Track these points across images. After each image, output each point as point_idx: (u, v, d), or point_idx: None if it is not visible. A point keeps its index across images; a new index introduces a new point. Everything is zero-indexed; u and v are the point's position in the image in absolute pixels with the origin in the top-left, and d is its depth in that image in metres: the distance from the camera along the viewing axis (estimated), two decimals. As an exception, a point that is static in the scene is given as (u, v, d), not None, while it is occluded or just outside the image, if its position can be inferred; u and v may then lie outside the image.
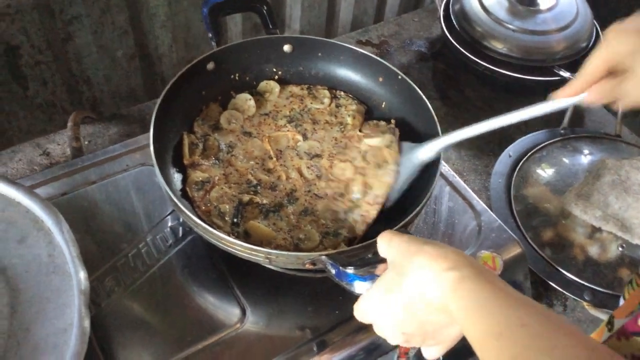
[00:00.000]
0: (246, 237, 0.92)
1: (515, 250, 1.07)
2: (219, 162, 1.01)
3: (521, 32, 1.47)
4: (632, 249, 1.20)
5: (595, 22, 1.55)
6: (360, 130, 1.08)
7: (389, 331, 0.69)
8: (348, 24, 1.80)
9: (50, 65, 1.30)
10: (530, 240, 1.22)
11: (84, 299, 0.80)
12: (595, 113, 1.57)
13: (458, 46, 1.52)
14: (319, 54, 1.14)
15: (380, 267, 0.72)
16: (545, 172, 1.35)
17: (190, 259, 1.00)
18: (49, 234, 0.88)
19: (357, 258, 0.78)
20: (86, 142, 1.31)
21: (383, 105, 1.13)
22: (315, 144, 1.05)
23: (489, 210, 1.12)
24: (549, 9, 1.49)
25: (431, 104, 1.02)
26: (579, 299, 1.16)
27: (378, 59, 1.11)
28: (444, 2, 1.61)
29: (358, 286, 0.74)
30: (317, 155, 1.04)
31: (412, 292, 0.64)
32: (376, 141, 1.04)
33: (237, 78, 1.12)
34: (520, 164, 1.36)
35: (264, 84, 1.13)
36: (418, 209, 0.89)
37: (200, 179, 0.97)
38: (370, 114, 1.13)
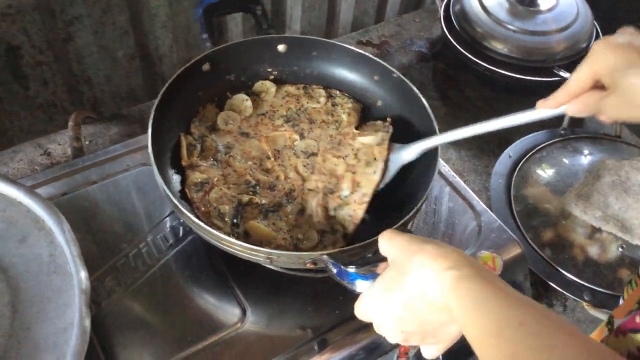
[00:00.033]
0: (246, 237, 0.92)
1: (515, 251, 1.07)
2: (217, 163, 1.01)
3: (521, 32, 1.47)
4: (632, 249, 1.20)
5: (596, 23, 1.55)
6: (357, 129, 1.08)
7: (388, 330, 0.69)
8: (348, 25, 1.80)
9: (51, 65, 1.30)
10: (530, 241, 1.23)
11: (85, 299, 0.81)
12: (595, 113, 1.57)
13: (458, 46, 1.52)
14: (314, 53, 1.14)
15: (382, 265, 0.72)
16: (546, 173, 1.35)
17: (190, 259, 1.00)
18: (49, 234, 0.88)
19: (358, 257, 0.78)
20: (87, 142, 1.31)
21: (379, 104, 1.13)
22: (312, 143, 1.06)
23: (489, 211, 1.12)
24: (549, 10, 1.49)
25: (431, 104, 1.03)
26: (578, 299, 1.16)
27: (373, 57, 1.11)
28: (444, 3, 1.62)
29: (359, 285, 0.74)
30: (314, 154, 1.04)
31: (412, 291, 0.64)
32: (369, 139, 1.04)
33: (232, 79, 1.12)
34: (521, 164, 1.36)
35: (259, 84, 1.13)
36: (417, 207, 0.90)
37: (199, 180, 0.97)
38: (366, 112, 1.13)
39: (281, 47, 1.13)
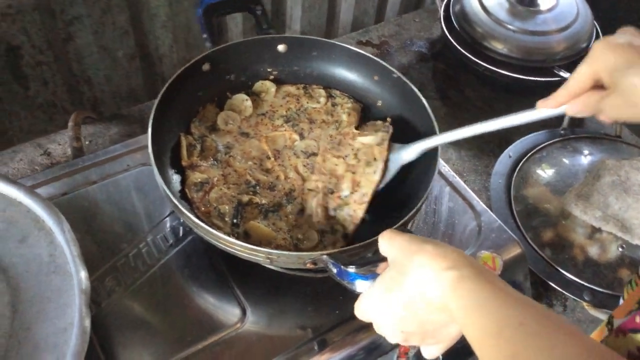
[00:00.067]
0: (246, 237, 0.92)
1: (515, 251, 1.07)
2: (217, 163, 1.01)
3: (521, 32, 1.47)
4: (632, 249, 1.20)
5: (596, 23, 1.55)
6: (357, 129, 1.08)
7: (388, 330, 0.69)
8: (348, 25, 1.80)
9: (51, 65, 1.30)
10: (530, 241, 1.23)
11: (85, 299, 0.81)
12: (595, 113, 1.57)
13: (458, 47, 1.52)
14: (314, 54, 1.14)
15: (382, 265, 0.72)
16: (545, 173, 1.35)
17: (190, 258, 1.00)
18: (50, 234, 0.88)
19: (358, 257, 0.78)
20: (87, 142, 1.31)
21: (379, 104, 1.13)
22: (311, 143, 1.06)
23: (489, 211, 1.12)
24: (549, 10, 1.49)
25: (431, 104, 1.03)
26: (578, 299, 1.16)
27: (373, 57, 1.11)
28: (444, 3, 1.62)
29: (359, 285, 0.74)
30: (314, 154, 1.04)
31: (412, 291, 0.64)
32: (369, 139, 1.04)
33: (232, 79, 1.12)
34: (521, 164, 1.36)
35: (259, 84, 1.13)
36: (417, 207, 0.90)
37: (199, 180, 0.97)
38: (366, 112, 1.13)
39: (281, 47, 1.13)
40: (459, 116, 1.52)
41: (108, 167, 1.10)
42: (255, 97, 1.12)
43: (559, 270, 1.18)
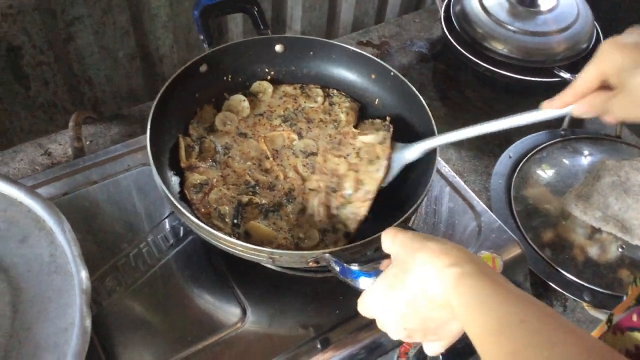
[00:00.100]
0: (247, 237, 0.92)
1: (515, 251, 1.07)
2: (216, 164, 1.01)
3: (522, 33, 1.47)
4: (632, 249, 1.21)
5: (596, 23, 1.55)
6: (355, 128, 1.08)
7: (391, 326, 0.69)
8: (349, 25, 1.80)
9: (51, 65, 1.30)
10: (530, 241, 1.23)
11: (86, 299, 0.81)
12: (595, 114, 1.57)
13: (458, 47, 1.52)
14: (311, 53, 1.14)
15: (384, 262, 0.73)
16: (546, 173, 1.35)
17: (190, 258, 1.00)
18: (50, 234, 0.88)
19: (360, 254, 0.79)
20: (87, 142, 1.31)
21: (376, 102, 1.13)
22: (310, 142, 1.06)
23: (489, 211, 1.12)
24: (550, 10, 1.49)
25: (431, 105, 1.03)
26: (578, 300, 1.16)
27: (370, 56, 1.11)
28: (444, 3, 1.62)
29: (363, 282, 0.74)
30: (313, 153, 1.04)
31: (414, 288, 0.64)
32: (370, 138, 1.04)
33: (230, 79, 1.12)
34: (521, 164, 1.36)
35: (256, 85, 1.14)
36: (417, 204, 0.90)
37: (198, 181, 0.97)
38: (364, 111, 1.14)
39: (278, 47, 1.13)
40: (459, 116, 1.52)
41: (109, 167, 1.10)
42: (253, 97, 1.12)
43: (558, 271, 1.19)
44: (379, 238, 0.72)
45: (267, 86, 1.13)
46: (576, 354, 0.50)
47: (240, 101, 1.10)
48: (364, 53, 1.11)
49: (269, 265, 0.96)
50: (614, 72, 0.71)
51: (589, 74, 0.74)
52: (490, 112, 1.54)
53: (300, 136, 1.07)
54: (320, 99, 1.13)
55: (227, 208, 0.95)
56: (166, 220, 1.04)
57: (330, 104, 1.12)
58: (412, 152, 0.99)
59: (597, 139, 1.44)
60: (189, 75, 1.04)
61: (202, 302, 0.95)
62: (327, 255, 0.80)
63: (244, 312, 0.94)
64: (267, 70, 1.15)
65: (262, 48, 1.13)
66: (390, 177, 1.00)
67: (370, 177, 0.99)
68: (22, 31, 1.21)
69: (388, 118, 1.09)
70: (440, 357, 0.71)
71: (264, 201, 0.97)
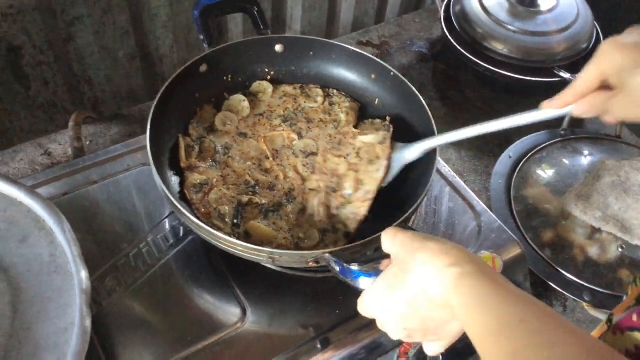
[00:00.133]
0: (247, 237, 0.92)
1: (515, 251, 1.07)
2: (216, 164, 1.01)
3: (521, 33, 1.47)
4: (632, 249, 1.21)
5: (596, 24, 1.55)
6: (355, 128, 1.08)
7: (391, 326, 0.69)
8: (349, 25, 1.80)
9: (52, 65, 1.30)
10: (530, 241, 1.23)
11: (86, 299, 0.81)
12: (595, 114, 1.57)
13: (458, 47, 1.52)
14: (311, 53, 1.14)
15: (384, 262, 0.73)
16: (546, 173, 1.35)
17: (190, 258, 1.00)
18: (50, 234, 0.88)
19: (360, 254, 0.79)
20: (87, 142, 1.31)
21: (376, 102, 1.13)
22: (310, 142, 1.06)
23: (489, 211, 1.12)
24: (550, 10, 1.49)
25: (431, 105, 1.03)
26: (578, 300, 1.16)
27: (370, 56, 1.11)
28: (444, 3, 1.62)
29: (363, 282, 0.74)
30: (313, 154, 1.04)
31: (414, 288, 0.64)
32: (370, 138, 1.04)
33: (230, 79, 1.12)
34: (521, 164, 1.36)
35: (256, 85, 1.14)
36: (417, 204, 0.90)
37: (198, 181, 0.97)
38: (364, 111, 1.14)
39: (278, 47, 1.13)
40: (459, 117, 1.52)
41: (109, 167, 1.10)
42: (253, 97, 1.12)
43: (559, 271, 1.19)
44: (379, 238, 0.72)
45: (267, 86, 1.13)
46: (576, 354, 0.50)
47: (240, 101, 1.10)
48: (364, 53, 1.11)
49: (269, 265, 0.96)
50: (614, 72, 0.71)
51: (589, 74, 0.74)
52: (490, 112, 1.54)
53: (300, 136, 1.07)
54: (320, 99, 1.13)
55: (227, 208, 0.95)
56: (166, 220, 1.04)
57: (330, 104, 1.12)
58: (412, 152, 0.99)
59: (597, 139, 1.44)
60: (189, 75, 1.04)
61: (202, 302, 0.95)
62: (327, 255, 0.80)
63: (244, 312, 0.94)
64: (267, 70, 1.15)
65: (262, 48, 1.13)
66: (390, 177, 1.00)
67: (370, 177, 1.00)
68: (22, 31, 1.21)
69: (388, 118, 1.09)
70: (440, 357, 0.71)
71: (264, 201, 0.97)
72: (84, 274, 0.83)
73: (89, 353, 0.78)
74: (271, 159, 1.03)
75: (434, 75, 1.64)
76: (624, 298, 0.86)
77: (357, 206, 0.97)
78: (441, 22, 1.58)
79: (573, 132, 1.45)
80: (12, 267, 0.85)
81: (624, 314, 0.72)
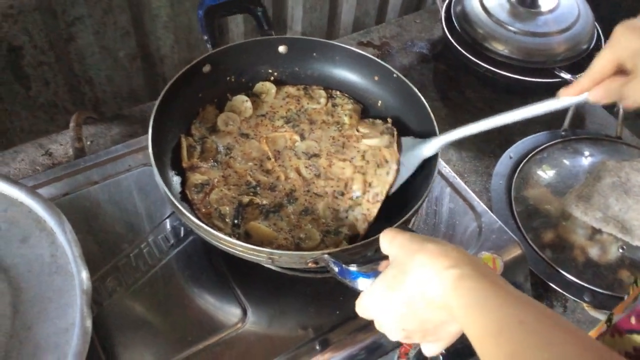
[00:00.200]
0: (247, 238, 0.92)
1: (515, 252, 1.07)
2: (218, 164, 1.01)
3: (522, 34, 1.47)
4: (632, 250, 1.21)
5: (597, 24, 1.55)
6: (357, 130, 1.08)
7: (389, 327, 0.69)
8: (350, 25, 1.80)
9: (52, 65, 1.30)
10: (530, 242, 1.23)
11: (86, 299, 0.81)
12: (596, 115, 1.57)
13: (459, 48, 1.52)
14: (314, 54, 1.14)
15: (383, 263, 0.73)
16: (546, 174, 1.35)
17: (191, 259, 1.00)
18: (51, 234, 0.88)
19: (359, 255, 0.78)
20: (88, 143, 1.31)
21: (379, 104, 1.13)
22: (312, 144, 1.06)
23: (490, 212, 1.12)
24: (550, 11, 1.49)
25: (432, 105, 1.03)
26: (579, 300, 1.16)
27: (373, 58, 1.11)
28: (445, 4, 1.62)
29: (361, 283, 0.74)
30: (315, 155, 1.04)
31: (413, 289, 0.64)
32: (375, 141, 1.04)
33: (233, 80, 1.12)
34: (521, 165, 1.36)
35: (259, 86, 1.13)
36: (417, 205, 0.90)
37: (200, 181, 0.97)
38: (366, 112, 1.14)
39: (282, 48, 1.13)
40: (459, 117, 1.52)
41: (109, 167, 1.10)
42: (256, 98, 1.12)
43: (559, 272, 1.19)
44: (378, 239, 0.72)
45: (270, 87, 1.13)
46: (575, 354, 0.50)
47: (242, 102, 1.10)
48: (367, 55, 1.11)
49: (269, 266, 0.96)
50: (629, 55, 0.71)
51: (604, 59, 0.74)
52: (490, 113, 1.51)
53: (302, 137, 1.07)
54: (323, 101, 1.13)
55: (227, 208, 0.95)
56: (167, 220, 1.04)
57: (333, 106, 1.12)
58: (430, 147, 0.98)
59: (598, 140, 1.44)
60: (192, 75, 1.04)
61: (202, 302, 0.95)
62: (326, 256, 0.80)
63: (245, 312, 0.94)
64: (270, 71, 1.15)
65: (265, 49, 1.12)
66: (404, 176, 1.00)
67: (379, 179, 1.00)
68: (23, 31, 1.21)
69: (389, 120, 1.09)
70: (440, 357, 0.71)
71: (264, 202, 0.97)
72: (84, 274, 0.83)
73: (89, 353, 0.77)
74: (273, 159, 1.03)
75: (434, 76, 1.64)
76: (626, 298, 0.86)
77: (367, 207, 0.97)
78: (442, 23, 1.58)
79: (574, 132, 1.45)
80: (13, 267, 0.85)
81: (623, 314, 0.72)
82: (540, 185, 1.33)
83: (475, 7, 1.53)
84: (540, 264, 1.20)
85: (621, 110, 1.44)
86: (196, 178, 0.98)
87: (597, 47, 1.53)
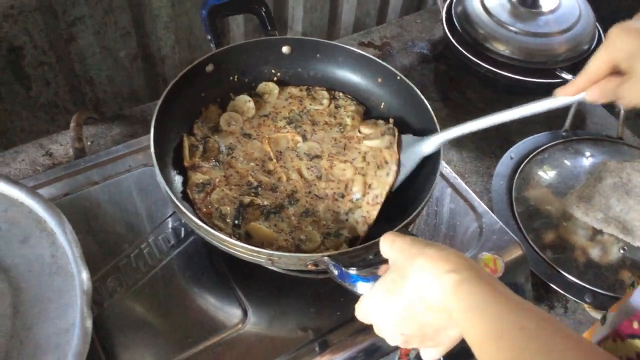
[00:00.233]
0: (247, 238, 0.92)
1: (516, 252, 1.07)
2: (219, 164, 1.01)
3: (523, 34, 1.47)
4: (633, 251, 1.20)
5: (598, 24, 1.55)
6: (359, 132, 1.08)
7: (388, 332, 0.69)
8: (350, 26, 1.80)
9: (53, 65, 1.30)
10: (531, 242, 1.23)
11: (86, 299, 0.81)
12: (597, 115, 1.57)
13: (460, 48, 1.52)
14: (318, 55, 1.14)
15: (383, 267, 0.72)
16: (547, 174, 1.35)
17: (192, 259, 1.00)
18: (51, 235, 0.88)
19: (359, 259, 0.78)
20: (89, 143, 1.31)
21: (382, 106, 1.13)
22: (314, 145, 1.06)
23: (491, 212, 1.12)
24: (551, 11, 1.49)
25: (432, 106, 1.03)
26: (580, 301, 1.16)
27: (376, 59, 1.11)
28: (446, 4, 1.62)
29: (361, 287, 0.74)
30: (317, 156, 1.04)
31: (412, 294, 0.64)
32: (376, 143, 1.04)
33: (236, 80, 1.12)
34: (522, 166, 1.36)
35: (262, 86, 1.13)
36: (419, 209, 0.90)
37: (201, 181, 0.97)
38: (369, 114, 1.13)
39: (285, 49, 1.13)
40: (460, 117, 1.50)
41: (110, 167, 1.10)
42: (258, 98, 1.12)
43: (560, 272, 1.18)
44: (378, 242, 0.72)
45: (273, 87, 1.13)
46: (575, 359, 0.50)
47: (245, 102, 1.10)
48: (371, 56, 1.11)
49: (269, 267, 0.96)
50: (624, 57, 0.71)
51: (599, 60, 0.74)
52: (491, 113, 1.54)
53: (304, 138, 1.07)
54: (325, 102, 1.12)
55: (228, 208, 0.95)
56: (167, 220, 1.04)
57: (336, 107, 1.12)
58: (429, 145, 0.98)
59: (599, 140, 1.44)
60: (195, 75, 1.04)
61: (203, 303, 0.95)
62: (325, 258, 0.80)
63: (245, 313, 0.94)
64: (273, 71, 1.15)
65: (268, 49, 1.12)
66: (403, 175, 1.00)
67: (379, 181, 1.00)
68: (23, 31, 1.21)
69: (391, 120, 1.09)
70: (442, 358, 0.71)
71: (265, 202, 0.97)
72: (85, 274, 0.83)
73: (89, 354, 0.77)
74: (274, 160, 1.03)
75: (435, 76, 1.64)
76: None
77: (366, 209, 0.97)
78: (442, 23, 1.58)
79: (574, 133, 1.45)
80: (13, 267, 0.85)
81: (624, 318, 0.72)
82: (541, 185, 1.33)
83: (476, 7, 1.53)
84: (541, 264, 1.20)
85: (622, 111, 1.44)
86: (197, 177, 0.98)
87: (598, 47, 1.53)
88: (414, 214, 0.89)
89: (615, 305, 0.78)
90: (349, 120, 1.09)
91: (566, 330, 0.53)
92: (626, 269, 1.19)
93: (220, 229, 0.91)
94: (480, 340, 0.56)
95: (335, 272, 0.78)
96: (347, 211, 0.97)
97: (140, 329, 0.91)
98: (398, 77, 1.08)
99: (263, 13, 1.13)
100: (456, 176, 1.17)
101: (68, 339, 0.78)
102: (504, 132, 1.46)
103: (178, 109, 1.02)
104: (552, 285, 1.17)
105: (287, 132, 1.07)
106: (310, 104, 1.12)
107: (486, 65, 1.48)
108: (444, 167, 1.18)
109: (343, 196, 0.99)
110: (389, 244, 0.69)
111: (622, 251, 1.20)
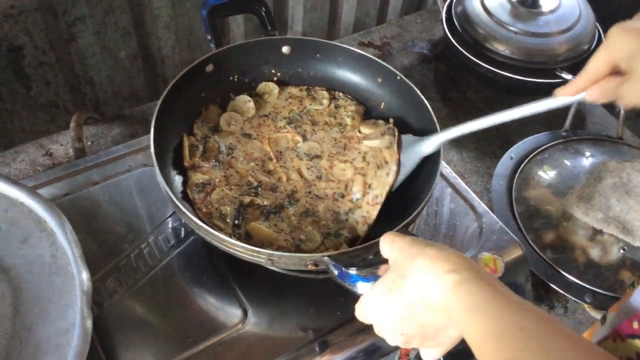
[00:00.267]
0: (247, 238, 0.92)
1: (516, 252, 1.07)
2: (219, 164, 1.01)
3: (523, 34, 1.47)
4: (633, 251, 1.20)
5: (598, 25, 1.55)
6: (359, 132, 1.08)
7: (388, 332, 0.69)
8: (350, 26, 1.80)
9: (53, 65, 1.30)
10: (531, 242, 1.23)
11: (86, 300, 0.81)
12: (597, 115, 1.57)
13: (460, 48, 1.52)
14: (318, 55, 1.14)
15: (383, 267, 0.72)
16: (547, 174, 1.35)
17: (192, 259, 1.00)
18: (51, 235, 0.88)
19: (359, 259, 0.78)
20: (89, 143, 1.31)
21: (382, 106, 1.13)
22: (314, 145, 1.06)
23: (491, 212, 1.12)
24: (551, 11, 1.49)
25: (433, 106, 1.03)
26: (580, 301, 1.16)
27: (377, 59, 1.11)
28: (446, 4, 1.62)
29: (361, 287, 0.74)
30: (317, 156, 1.04)
31: (412, 294, 0.64)
32: (376, 143, 1.04)
33: (236, 80, 1.12)
34: (522, 166, 1.36)
35: (263, 86, 1.13)
36: (419, 209, 0.90)
37: (201, 181, 0.97)
38: (369, 114, 1.13)
39: (285, 49, 1.13)
40: (460, 117, 1.51)
41: (110, 167, 1.10)
42: (259, 98, 1.12)
43: (560, 272, 1.18)
44: (378, 242, 0.72)
45: (273, 87, 1.13)
46: (574, 359, 0.50)
47: (245, 102, 1.10)
48: (371, 57, 1.11)
49: (269, 267, 0.96)
50: (624, 57, 0.71)
51: (599, 60, 0.74)
52: (491, 113, 1.54)
53: (304, 138, 1.07)
54: (325, 102, 1.12)
55: (228, 208, 0.95)
56: (167, 221, 1.04)
57: (336, 107, 1.12)
58: (429, 145, 0.98)
59: (599, 140, 1.44)
60: (195, 75, 1.04)
61: (203, 303, 0.95)
62: (325, 258, 0.80)
63: (245, 313, 0.94)
64: (273, 71, 1.15)
65: (269, 49, 1.12)
66: (402, 176, 1.00)
67: (379, 181, 1.00)
68: (23, 31, 1.21)
69: (391, 120, 1.09)
70: (441, 358, 0.71)
71: (265, 202, 0.97)
72: (85, 274, 0.83)
73: (89, 354, 0.77)
74: (274, 160, 1.03)
75: (435, 76, 1.64)
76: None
77: (366, 209, 0.97)
78: (442, 23, 1.58)
79: (575, 133, 1.45)
80: (13, 267, 0.85)
81: (624, 318, 0.72)
82: (541, 185, 1.33)
83: (476, 7, 1.53)
84: (541, 264, 1.20)
85: (622, 111, 1.44)
86: (197, 177, 0.98)
87: (598, 47, 1.53)
88: (414, 214, 0.89)
89: (615, 305, 0.78)
90: (349, 120, 1.09)
91: (566, 330, 0.53)
92: (626, 269, 1.19)
93: (220, 229, 0.91)
94: (480, 340, 0.56)
95: (335, 272, 0.78)
96: (347, 211, 0.97)
97: (140, 329, 0.91)
98: (398, 77, 1.08)
99: (263, 13, 1.13)
100: (456, 176, 1.17)
101: (68, 339, 0.78)
102: (504, 132, 1.46)
103: (178, 109, 1.02)
104: (552, 285, 1.17)
105: (287, 132, 1.07)
106: (310, 104, 1.12)
107: (486, 65, 1.48)
108: (444, 167, 1.18)
109: (343, 196, 0.99)
110: (389, 244, 0.69)
111: (622, 251, 1.21)
